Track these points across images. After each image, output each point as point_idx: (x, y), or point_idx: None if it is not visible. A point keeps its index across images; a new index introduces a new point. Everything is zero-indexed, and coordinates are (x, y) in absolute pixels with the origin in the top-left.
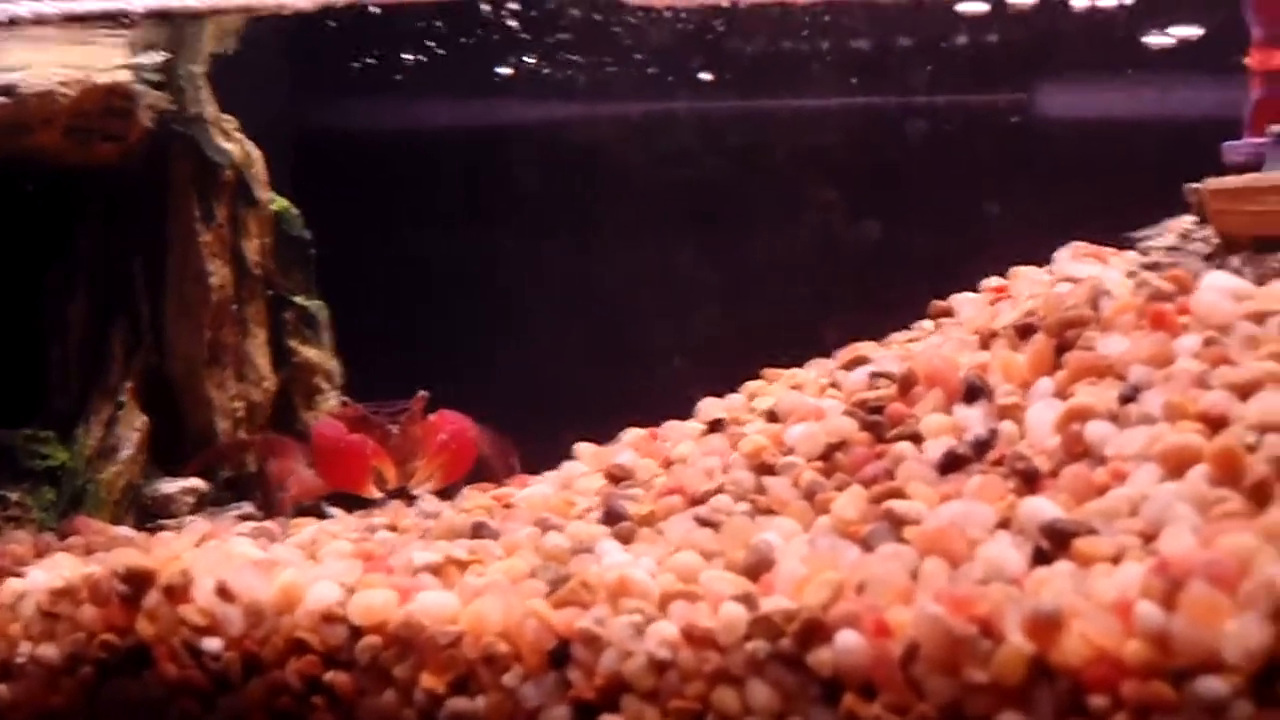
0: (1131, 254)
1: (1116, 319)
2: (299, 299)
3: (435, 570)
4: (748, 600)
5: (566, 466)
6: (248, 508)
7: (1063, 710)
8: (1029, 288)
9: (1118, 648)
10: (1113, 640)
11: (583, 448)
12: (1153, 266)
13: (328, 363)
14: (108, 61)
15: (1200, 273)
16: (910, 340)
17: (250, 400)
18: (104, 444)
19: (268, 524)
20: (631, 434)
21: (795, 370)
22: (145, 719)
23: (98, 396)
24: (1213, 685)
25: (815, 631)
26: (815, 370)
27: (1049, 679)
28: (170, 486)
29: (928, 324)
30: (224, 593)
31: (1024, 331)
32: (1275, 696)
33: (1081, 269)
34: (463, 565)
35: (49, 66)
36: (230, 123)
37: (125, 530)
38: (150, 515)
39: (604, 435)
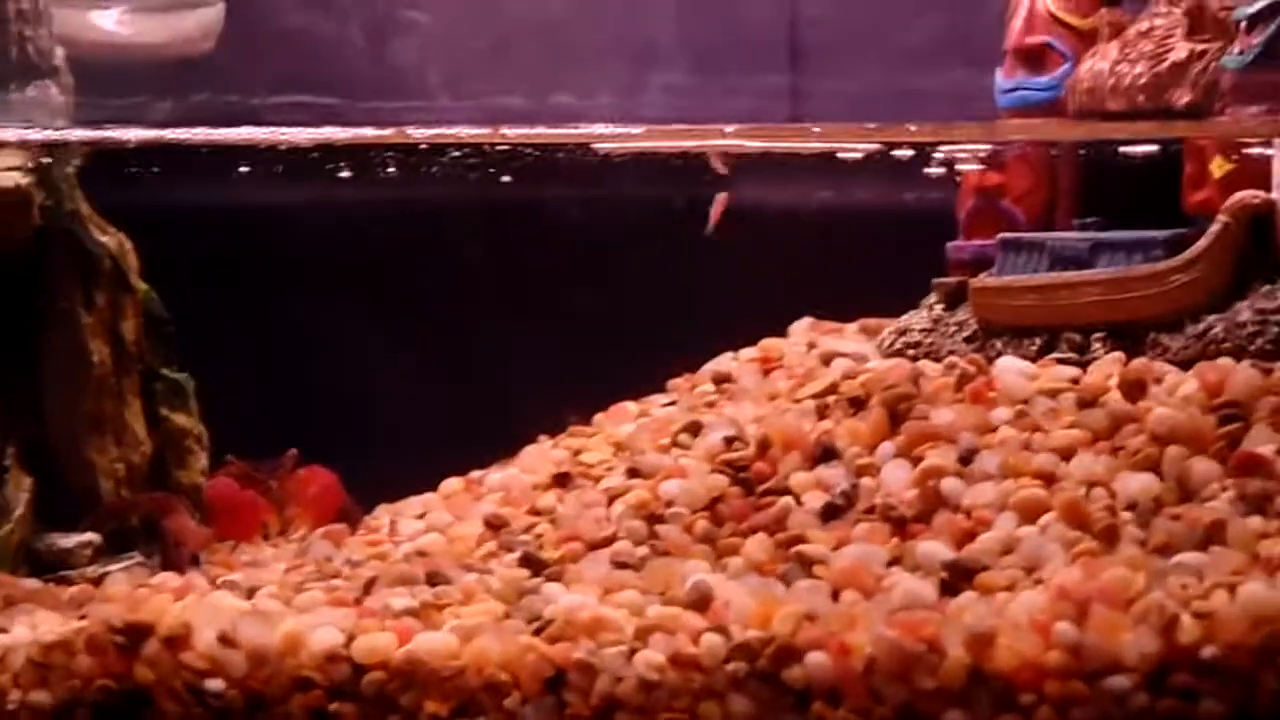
0: (852, 327)
1: (937, 394)
2: (166, 371)
3: (414, 613)
4: (722, 631)
5: (430, 515)
6: (138, 557)
7: (997, 707)
8: (797, 360)
9: (1040, 657)
10: (1035, 651)
11: (433, 497)
12: (915, 344)
13: (195, 428)
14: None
15: (966, 354)
16: (709, 404)
17: (130, 462)
18: None
19: (194, 574)
20: (450, 484)
21: (607, 429)
22: None
23: None
24: (1118, 682)
25: (787, 654)
26: (634, 428)
27: (985, 683)
28: (67, 541)
29: (708, 387)
30: (226, 640)
31: (855, 403)
32: (1164, 688)
33: (840, 344)
34: (438, 608)
35: None
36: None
37: (32, 582)
38: (48, 567)
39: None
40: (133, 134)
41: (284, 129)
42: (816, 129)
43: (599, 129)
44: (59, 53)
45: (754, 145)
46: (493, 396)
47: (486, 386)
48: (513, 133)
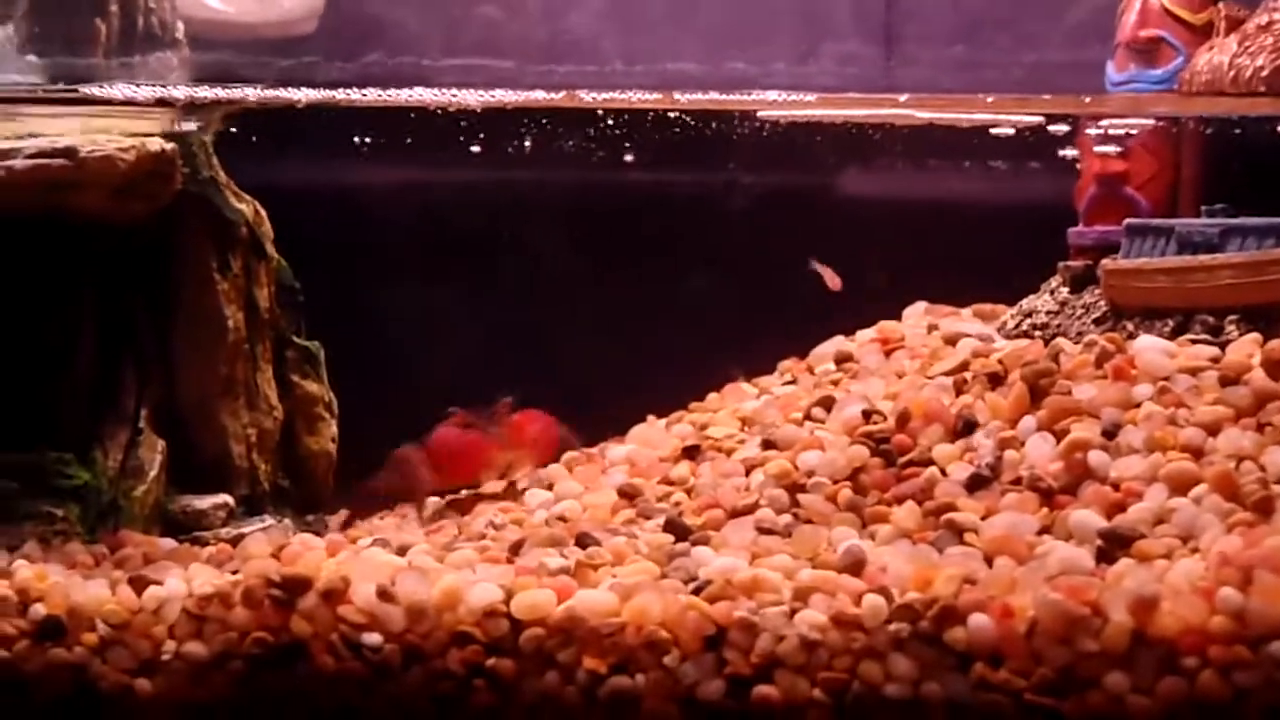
0: (966, 312)
1: (1076, 371)
2: (297, 339)
3: (569, 572)
4: (883, 592)
5: (559, 485)
6: (269, 520)
7: (1160, 670)
8: (919, 341)
9: (1203, 622)
10: (1199, 616)
11: (558, 468)
12: (1042, 326)
13: (326, 395)
14: (133, 130)
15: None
16: (833, 382)
17: (261, 427)
18: (125, 465)
19: (336, 533)
20: (570, 456)
21: (731, 406)
22: (299, 707)
23: (111, 423)
24: None
25: (950, 615)
26: (759, 404)
27: (1147, 647)
28: (202, 502)
29: (830, 366)
30: (385, 595)
31: (993, 379)
32: None
33: (962, 325)
34: (593, 568)
35: (102, 134)
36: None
37: (168, 541)
38: (181, 528)
39: None
40: (303, 94)
41: (455, 91)
42: (989, 99)
43: (771, 95)
44: (179, 25)
45: (924, 115)
46: (586, 376)
47: (579, 365)
48: (685, 99)
